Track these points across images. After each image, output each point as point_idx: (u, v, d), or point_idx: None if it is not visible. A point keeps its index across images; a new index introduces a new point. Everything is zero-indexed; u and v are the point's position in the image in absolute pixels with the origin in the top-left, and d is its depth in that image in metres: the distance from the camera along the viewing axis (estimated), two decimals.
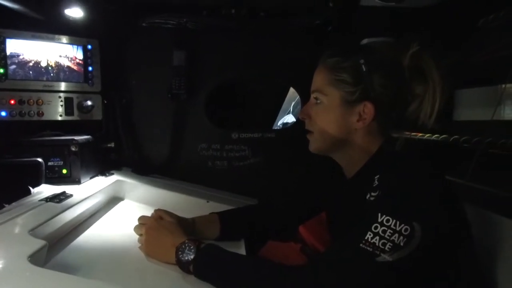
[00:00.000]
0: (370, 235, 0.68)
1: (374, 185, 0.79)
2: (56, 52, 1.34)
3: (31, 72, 1.30)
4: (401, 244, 0.66)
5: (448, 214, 0.72)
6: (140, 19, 1.42)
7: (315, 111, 0.90)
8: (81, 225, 1.05)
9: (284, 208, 1.18)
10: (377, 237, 0.67)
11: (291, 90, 2.11)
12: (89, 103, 1.38)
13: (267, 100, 2.04)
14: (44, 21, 1.31)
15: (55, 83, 1.34)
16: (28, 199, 1.01)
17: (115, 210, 1.22)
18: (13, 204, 0.96)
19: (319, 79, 0.89)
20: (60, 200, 1.00)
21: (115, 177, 1.38)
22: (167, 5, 1.39)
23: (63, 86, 1.36)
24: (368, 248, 0.67)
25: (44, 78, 1.33)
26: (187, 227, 0.95)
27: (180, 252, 0.80)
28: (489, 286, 0.85)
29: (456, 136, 1.21)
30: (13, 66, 1.27)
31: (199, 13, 1.40)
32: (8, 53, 1.25)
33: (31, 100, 1.30)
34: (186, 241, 0.82)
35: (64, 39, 1.35)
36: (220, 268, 0.78)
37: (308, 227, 1.21)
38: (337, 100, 0.85)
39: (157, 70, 1.57)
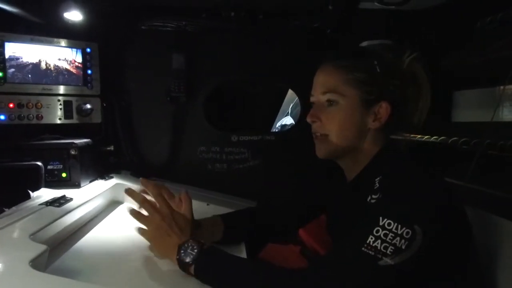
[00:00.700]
0: (372, 238, 0.68)
1: (375, 188, 0.79)
2: (55, 56, 1.34)
3: (30, 76, 1.30)
4: (403, 247, 0.66)
5: (449, 216, 0.72)
6: (139, 22, 1.42)
7: (328, 114, 0.86)
8: (81, 229, 1.05)
9: (284, 211, 1.18)
10: (379, 241, 0.67)
11: (290, 92, 2.12)
12: (88, 106, 1.38)
13: (266, 102, 2.04)
14: (43, 24, 1.31)
15: (54, 87, 1.34)
16: (28, 203, 1.01)
17: (115, 213, 1.22)
18: (13, 208, 0.96)
19: (331, 80, 0.86)
20: (60, 204, 1.00)
21: (114, 181, 1.38)
22: (166, 8, 1.39)
23: (62, 89, 1.36)
24: (370, 252, 0.67)
25: (43, 82, 1.32)
26: (194, 228, 0.93)
27: (182, 251, 0.79)
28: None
29: (455, 138, 1.21)
30: (12, 70, 1.27)
31: (198, 16, 1.40)
32: (7, 56, 1.25)
33: (30, 104, 1.30)
34: (190, 240, 0.81)
35: (63, 42, 1.35)
36: (221, 271, 0.78)
37: (308, 230, 1.21)
38: (356, 100, 0.84)
39: (156, 73, 1.57)
